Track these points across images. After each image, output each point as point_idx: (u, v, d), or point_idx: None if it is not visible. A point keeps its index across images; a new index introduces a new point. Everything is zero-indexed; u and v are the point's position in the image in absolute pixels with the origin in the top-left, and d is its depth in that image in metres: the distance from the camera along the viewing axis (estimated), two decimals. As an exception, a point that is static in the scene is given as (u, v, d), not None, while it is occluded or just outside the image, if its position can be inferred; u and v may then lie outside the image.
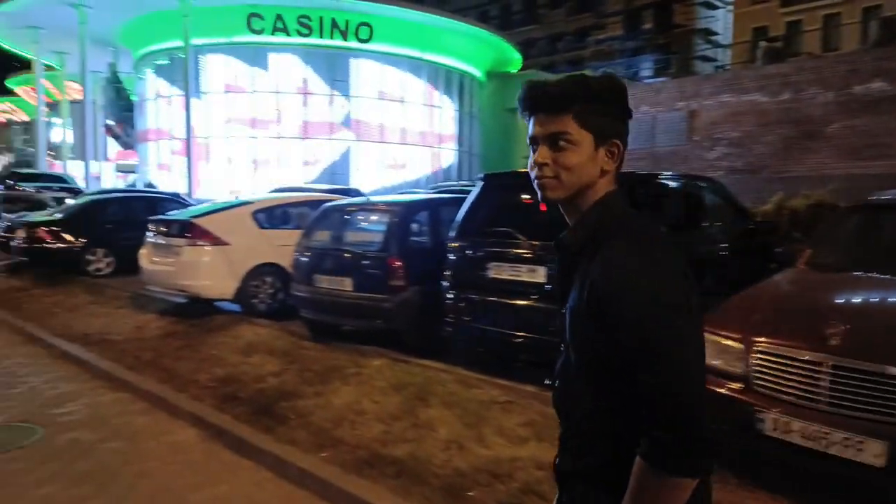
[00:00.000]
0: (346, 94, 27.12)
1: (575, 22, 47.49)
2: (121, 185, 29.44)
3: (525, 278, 5.04)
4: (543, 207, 1.35)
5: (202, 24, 24.27)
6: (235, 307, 8.15)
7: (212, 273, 7.81)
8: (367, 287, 6.29)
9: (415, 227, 6.67)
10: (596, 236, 1.23)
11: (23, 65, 38.59)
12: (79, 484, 3.96)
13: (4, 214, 15.30)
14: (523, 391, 4.69)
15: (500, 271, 5.09)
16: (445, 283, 5.66)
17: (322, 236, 7.07)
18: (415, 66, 28.46)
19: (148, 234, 8.60)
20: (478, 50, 31.06)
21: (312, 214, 7.48)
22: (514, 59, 34.11)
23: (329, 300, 6.55)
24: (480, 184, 5.66)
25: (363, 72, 27.36)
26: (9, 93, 48.75)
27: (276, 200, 9.02)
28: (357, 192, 14.68)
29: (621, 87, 1.27)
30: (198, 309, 8.12)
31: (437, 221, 6.66)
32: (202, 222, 7.92)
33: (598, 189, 1.26)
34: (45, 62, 32.23)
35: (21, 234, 11.75)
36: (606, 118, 1.24)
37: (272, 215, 8.57)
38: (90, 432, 4.81)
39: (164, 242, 8.16)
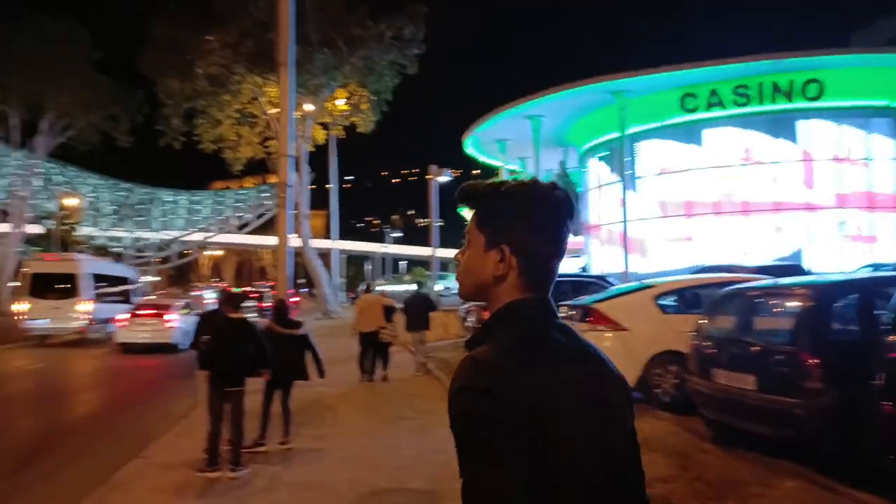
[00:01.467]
0: (795, 160, 24.54)
1: None
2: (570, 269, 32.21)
3: None
4: None
5: (636, 112, 25.57)
6: (637, 395, 7.82)
7: (611, 359, 7.67)
8: (773, 387, 5.27)
9: (838, 314, 5.37)
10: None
11: (493, 172, 46.83)
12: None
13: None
14: None
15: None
16: (885, 391, 4.34)
17: (723, 323, 6.30)
18: (880, 117, 24.08)
19: (559, 318, 9.02)
20: (976, 82, 24.55)
21: (714, 298, 6.75)
22: None
23: (728, 398, 5.71)
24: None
25: (814, 133, 24.44)
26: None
27: (680, 283, 8.50)
28: (801, 271, 12.87)
29: (530, 194, 1.19)
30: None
31: (871, 308, 5.24)
32: (602, 307, 7.93)
33: (499, 296, 1.20)
34: (510, 168, 38.49)
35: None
36: (503, 222, 1.19)
37: (677, 299, 8.07)
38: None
39: (569, 327, 8.44)
